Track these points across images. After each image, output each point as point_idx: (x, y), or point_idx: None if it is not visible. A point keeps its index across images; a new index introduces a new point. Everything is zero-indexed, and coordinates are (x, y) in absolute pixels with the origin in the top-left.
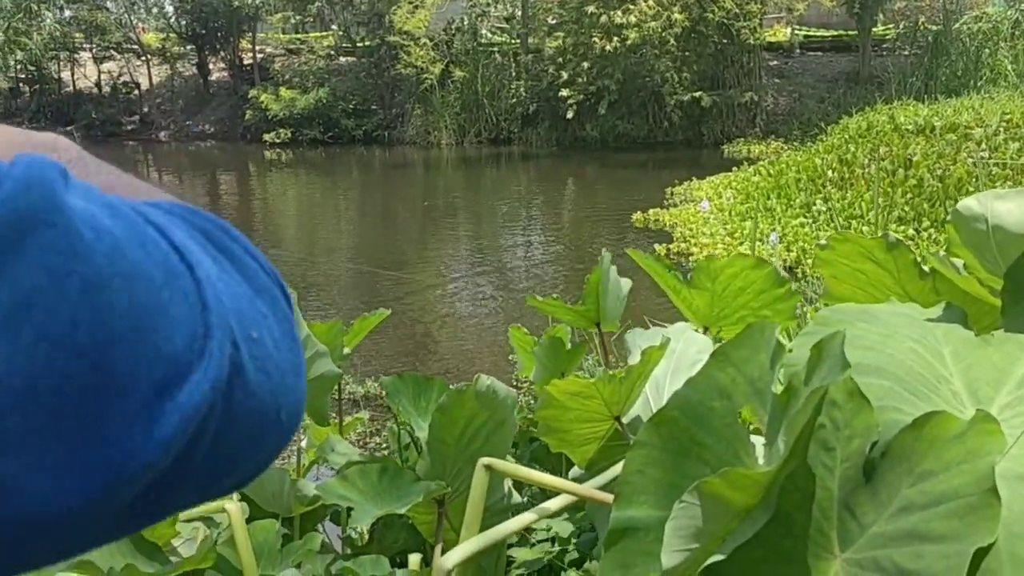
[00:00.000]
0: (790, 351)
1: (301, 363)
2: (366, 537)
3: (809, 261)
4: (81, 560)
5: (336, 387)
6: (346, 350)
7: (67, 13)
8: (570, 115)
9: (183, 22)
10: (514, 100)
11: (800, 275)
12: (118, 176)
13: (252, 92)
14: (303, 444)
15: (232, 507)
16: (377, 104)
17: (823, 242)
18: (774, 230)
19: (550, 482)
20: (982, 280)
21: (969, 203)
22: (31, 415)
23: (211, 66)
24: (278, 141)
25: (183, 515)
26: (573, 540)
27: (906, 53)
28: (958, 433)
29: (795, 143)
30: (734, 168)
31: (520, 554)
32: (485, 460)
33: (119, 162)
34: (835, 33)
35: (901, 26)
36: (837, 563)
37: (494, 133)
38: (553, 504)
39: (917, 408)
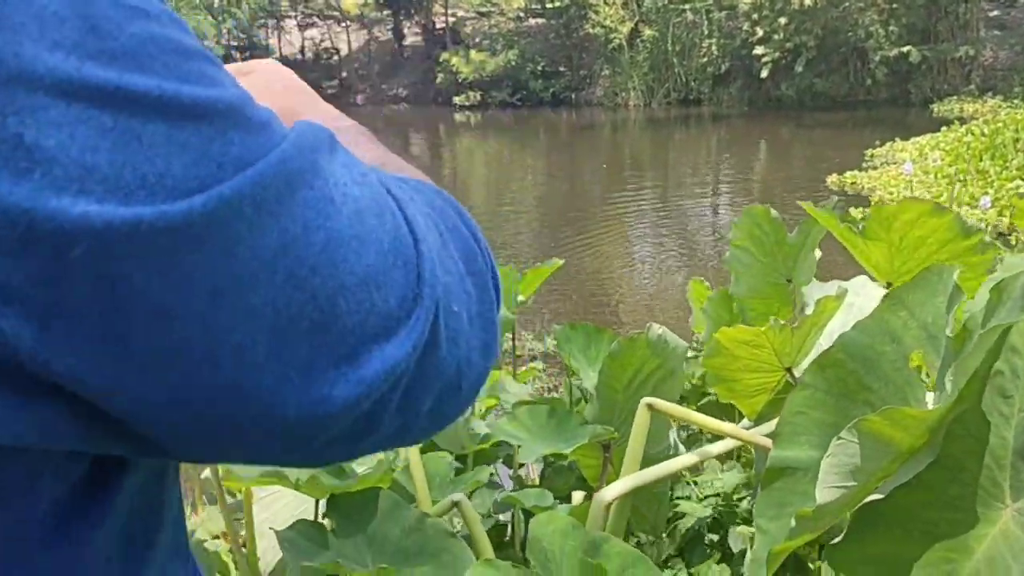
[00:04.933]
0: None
1: (491, 344)
2: (536, 482)
3: None
4: (274, 470)
5: (511, 335)
6: (520, 298)
7: None
8: (764, 74)
9: None
10: (705, 59)
11: (1015, 242)
12: (379, 150)
13: (443, 55)
14: None
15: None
16: (565, 65)
17: None
18: (986, 194)
19: (711, 424)
20: None
21: None
22: (272, 340)
23: (405, 31)
24: (467, 103)
25: None
26: (740, 494)
27: None
28: None
29: (1016, 100)
30: (943, 128)
31: (687, 507)
32: (648, 400)
33: None
34: None
35: None
36: (1008, 512)
37: (683, 94)
38: (715, 448)
39: None
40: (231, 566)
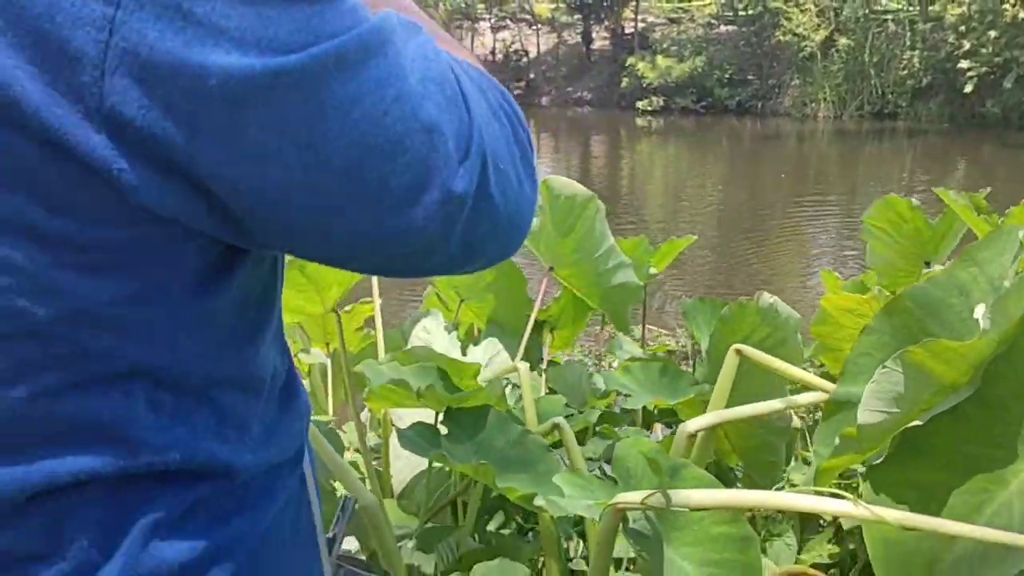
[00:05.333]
0: None
1: (530, 203)
2: None
3: None
4: (397, 379)
5: (642, 303)
6: (652, 270)
7: None
8: (968, 89)
9: None
10: (905, 71)
11: None
12: (453, 45)
13: (630, 60)
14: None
15: (522, 367)
16: (753, 73)
17: None
18: None
19: (798, 374)
20: None
21: None
22: (351, 164)
23: (594, 35)
24: (650, 109)
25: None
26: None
27: None
28: None
29: None
30: None
31: (798, 477)
32: (737, 345)
33: None
34: None
35: None
36: None
37: (878, 106)
38: (802, 399)
39: None
40: (366, 480)
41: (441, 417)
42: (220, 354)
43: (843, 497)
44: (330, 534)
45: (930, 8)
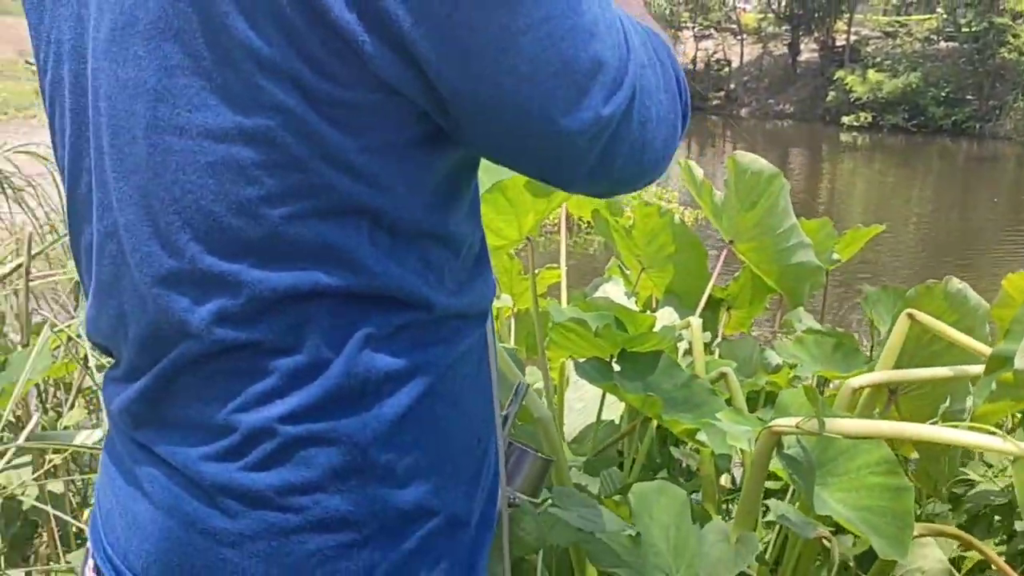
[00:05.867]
0: None
1: (668, 140)
2: None
3: None
4: (577, 318)
5: (823, 292)
6: (835, 256)
7: None
8: None
9: (783, 2)
10: None
11: None
12: (642, 9)
13: (839, 73)
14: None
15: (695, 321)
16: (973, 93)
17: None
18: None
19: (970, 343)
20: None
21: None
22: (535, 73)
23: (802, 46)
24: (856, 124)
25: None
26: None
27: None
28: None
29: None
30: None
31: (975, 474)
32: (909, 310)
33: (699, 134)
34: None
35: None
36: None
37: None
38: (972, 369)
39: None
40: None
41: (615, 358)
42: (427, 210)
43: (994, 434)
44: (504, 412)
45: None
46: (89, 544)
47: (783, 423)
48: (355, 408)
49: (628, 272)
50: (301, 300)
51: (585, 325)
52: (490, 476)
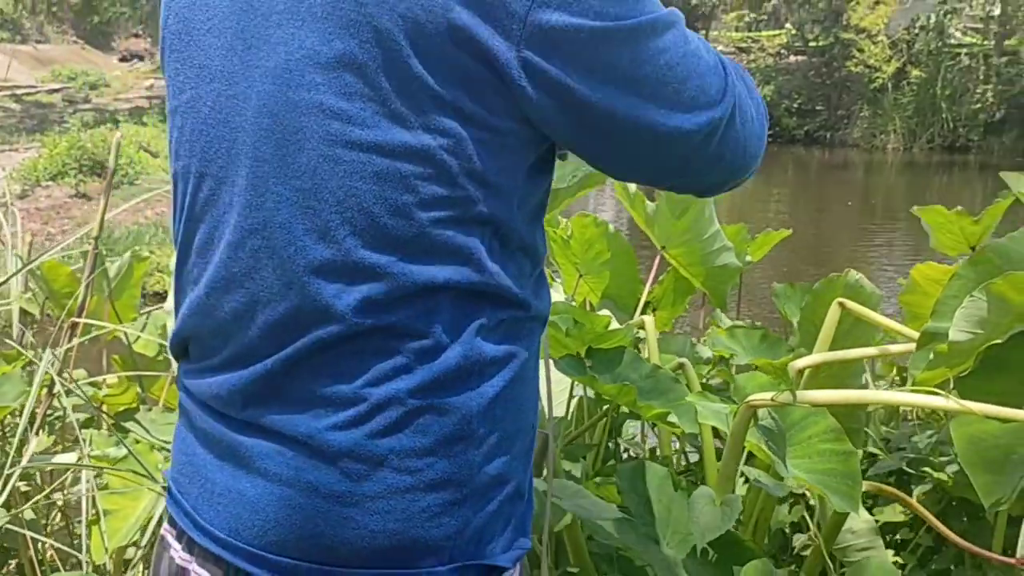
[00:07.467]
0: None
1: (760, 137)
2: None
3: None
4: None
5: (738, 287)
6: (748, 258)
7: None
8: None
9: None
10: (978, 105)
11: None
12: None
13: None
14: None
15: (648, 320)
16: (822, 104)
17: None
18: None
19: (895, 327)
20: None
21: None
22: (654, 92)
23: None
24: None
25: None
26: (936, 456)
27: None
28: None
29: None
30: None
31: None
32: (840, 299)
33: None
34: None
35: None
36: None
37: (949, 140)
38: (894, 348)
39: None
40: None
41: (584, 354)
42: (526, 225)
43: (937, 394)
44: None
45: (1006, 43)
46: (171, 537)
47: (759, 397)
48: (466, 385)
49: (560, 280)
50: (434, 292)
51: (555, 326)
52: (531, 457)
